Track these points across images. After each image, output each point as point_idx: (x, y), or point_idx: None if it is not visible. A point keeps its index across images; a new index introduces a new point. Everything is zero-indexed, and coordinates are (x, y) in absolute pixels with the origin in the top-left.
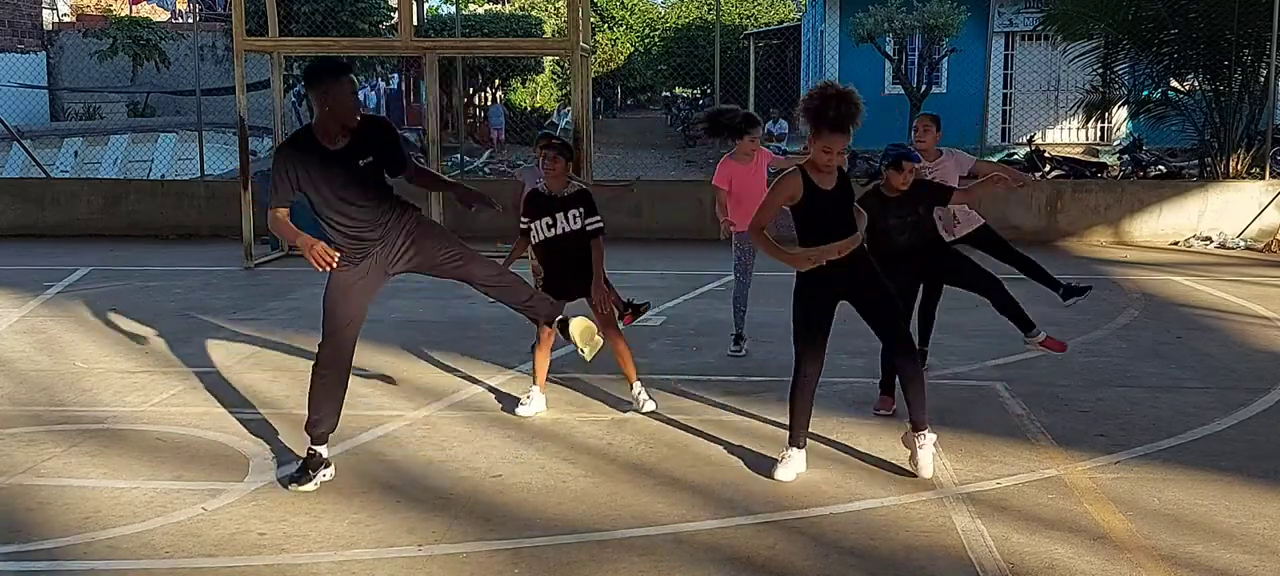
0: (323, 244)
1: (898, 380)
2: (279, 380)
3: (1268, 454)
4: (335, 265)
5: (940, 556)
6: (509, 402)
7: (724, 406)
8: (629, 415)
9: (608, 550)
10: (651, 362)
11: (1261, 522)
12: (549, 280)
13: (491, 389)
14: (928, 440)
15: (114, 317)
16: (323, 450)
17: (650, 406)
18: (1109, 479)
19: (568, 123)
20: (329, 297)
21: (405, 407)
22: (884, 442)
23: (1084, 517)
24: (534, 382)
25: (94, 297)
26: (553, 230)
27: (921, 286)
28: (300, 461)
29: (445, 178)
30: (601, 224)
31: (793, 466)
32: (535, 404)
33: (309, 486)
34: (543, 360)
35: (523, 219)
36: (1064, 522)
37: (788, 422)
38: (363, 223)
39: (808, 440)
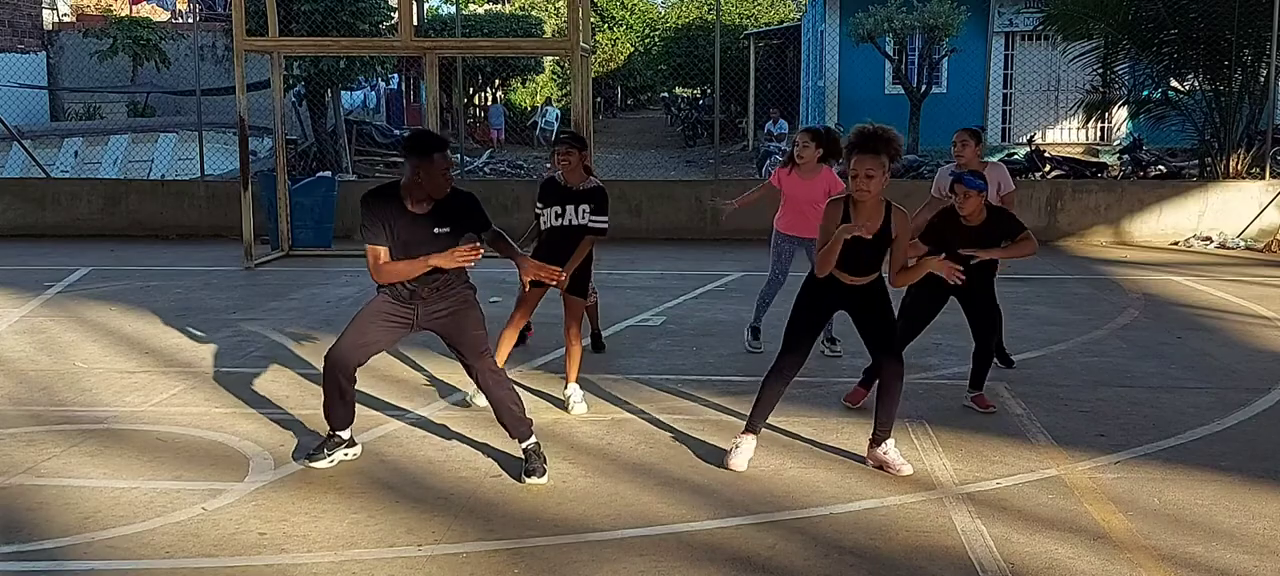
0: (463, 249)
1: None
2: (279, 380)
3: (1268, 454)
4: (474, 258)
5: (940, 556)
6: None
7: (724, 407)
8: (629, 415)
9: (608, 550)
10: (651, 363)
11: (1261, 522)
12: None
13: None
14: (888, 444)
15: (114, 317)
16: (343, 433)
17: (581, 410)
18: (1109, 479)
19: (547, 121)
20: (361, 314)
21: (405, 408)
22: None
23: (1084, 517)
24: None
25: (94, 298)
26: (561, 220)
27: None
28: (320, 440)
29: (516, 248)
30: (606, 226)
31: (743, 453)
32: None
33: (322, 463)
34: (509, 340)
35: (537, 204)
36: (1064, 522)
37: (752, 409)
38: (425, 281)
39: (763, 430)
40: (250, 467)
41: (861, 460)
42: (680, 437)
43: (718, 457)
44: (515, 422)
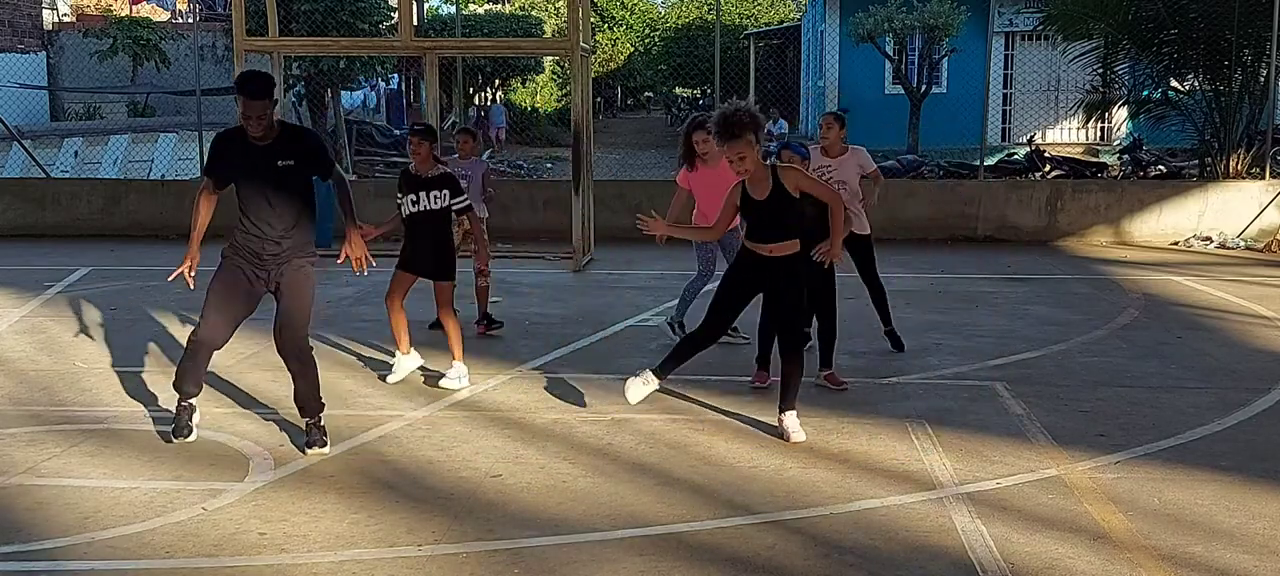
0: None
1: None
2: (279, 380)
3: (1268, 454)
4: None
5: (940, 556)
6: (508, 403)
7: (723, 407)
8: (629, 415)
9: (608, 550)
10: (651, 363)
11: (1261, 522)
12: (412, 254)
13: (489, 385)
14: (790, 414)
15: (114, 318)
16: (194, 400)
17: (462, 384)
18: (1109, 479)
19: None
20: (216, 289)
21: (405, 407)
22: (884, 442)
23: (1084, 517)
24: (398, 349)
25: (94, 298)
26: (417, 207)
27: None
28: (184, 417)
29: (350, 208)
30: (467, 203)
31: (637, 387)
32: (403, 368)
33: (192, 436)
34: (398, 323)
35: (397, 194)
36: (1064, 522)
37: (665, 357)
38: (266, 222)
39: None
40: (250, 467)
41: (862, 459)
42: (680, 437)
43: (718, 457)
44: (310, 395)
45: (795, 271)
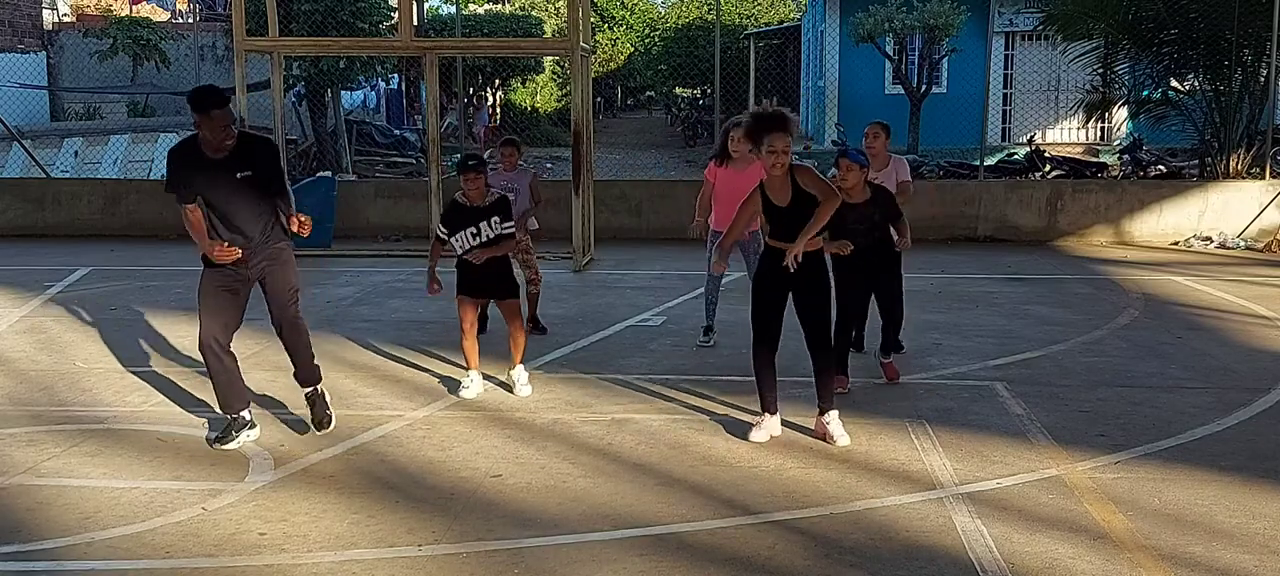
0: (223, 246)
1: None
2: (279, 380)
3: (1268, 454)
4: (230, 260)
5: (940, 556)
6: (508, 403)
7: (724, 406)
8: (629, 415)
9: (608, 550)
10: (651, 363)
11: (1261, 522)
12: (467, 283)
13: (493, 381)
14: (833, 415)
15: (114, 318)
16: (244, 414)
17: (526, 392)
18: (1109, 479)
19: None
20: (204, 296)
21: (405, 407)
22: (884, 442)
23: (1084, 517)
24: (470, 368)
25: (94, 298)
26: (477, 238)
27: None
28: (225, 423)
29: (289, 218)
30: (512, 230)
31: (765, 430)
32: (475, 386)
33: (231, 444)
34: (471, 347)
35: (442, 229)
36: (1064, 522)
37: (760, 397)
38: (237, 228)
39: (778, 408)
40: (250, 467)
41: (862, 459)
42: (680, 437)
43: (718, 457)
44: (306, 368)
45: (820, 268)
